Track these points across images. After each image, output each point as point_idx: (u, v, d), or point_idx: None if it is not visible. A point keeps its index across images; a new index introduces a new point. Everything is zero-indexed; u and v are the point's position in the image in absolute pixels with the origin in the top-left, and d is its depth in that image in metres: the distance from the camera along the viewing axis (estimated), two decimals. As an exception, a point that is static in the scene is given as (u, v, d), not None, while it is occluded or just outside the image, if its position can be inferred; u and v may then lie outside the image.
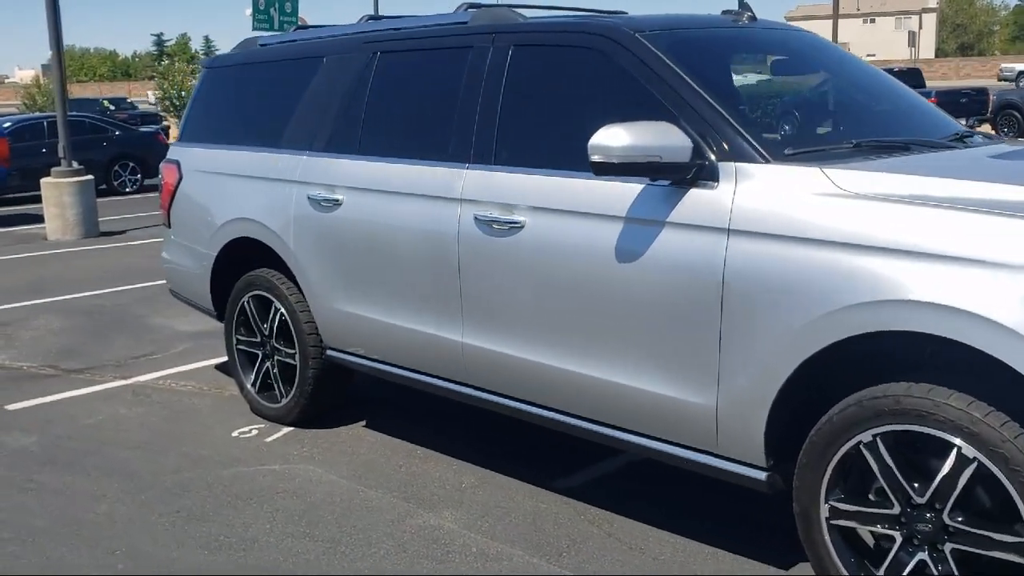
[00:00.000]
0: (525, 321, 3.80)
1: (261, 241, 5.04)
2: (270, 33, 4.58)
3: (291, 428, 5.16)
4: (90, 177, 13.22)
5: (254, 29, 35.38)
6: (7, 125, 17.47)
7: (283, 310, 5.02)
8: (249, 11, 34.66)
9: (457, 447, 4.82)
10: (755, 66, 4.51)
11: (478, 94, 4.04)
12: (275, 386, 5.22)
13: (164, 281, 7.85)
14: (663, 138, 3.21)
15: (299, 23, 36.81)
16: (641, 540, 3.81)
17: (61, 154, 12.86)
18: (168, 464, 4.75)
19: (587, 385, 3.63)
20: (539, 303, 3.74)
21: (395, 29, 4.66)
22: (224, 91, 5.62)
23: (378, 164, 4.41)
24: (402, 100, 4.46)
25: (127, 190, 18.78)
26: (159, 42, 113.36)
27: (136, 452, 4.90)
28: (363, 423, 5.25)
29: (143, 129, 21.41)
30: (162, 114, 36.35)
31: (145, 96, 59.39)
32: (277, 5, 35.23)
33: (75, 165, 13.10)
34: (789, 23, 5.51)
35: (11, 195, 16.82)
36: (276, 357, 5.19)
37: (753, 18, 4.20)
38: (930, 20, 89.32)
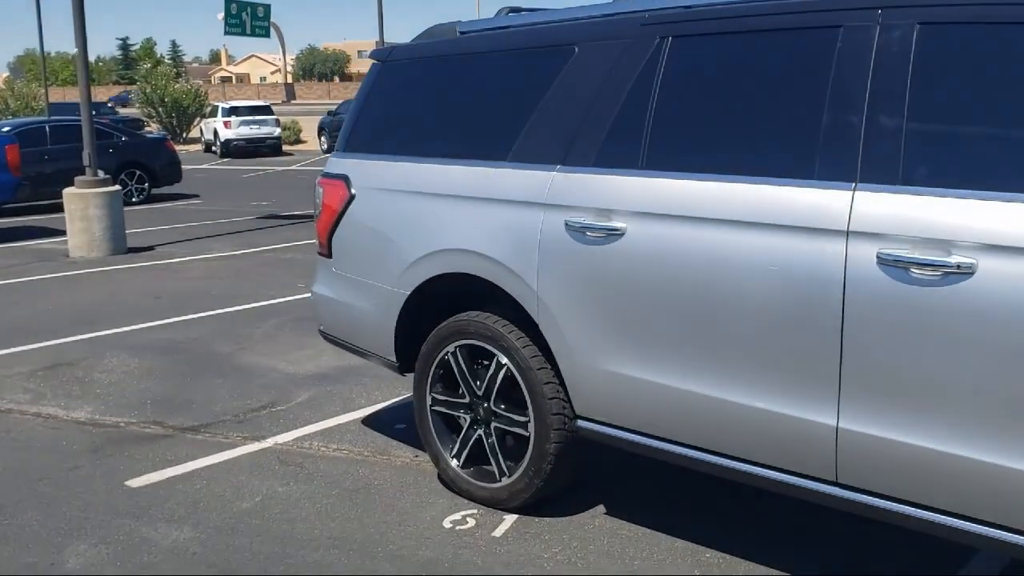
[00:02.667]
0: (961, 403, 2.76)
1: (482, 278, 3.95)
2: (469, 19, 3.66)
3: (515, 515, 4.06)
4: (118, 187, 12.03)
5: (226, 34, 34.35)
6: (7, 129, 16.08)
7: (510, 366, 3.93)
8: (221, 15, 33.55)
9: (751, 545, 3.75)
10: None
11: (863, 88, 2.99)
12: (492, 461, 4.12)
13: (235, 307, 6.81)
14: None
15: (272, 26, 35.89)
16: None
17: (86, 162, 11.65)
18: (390, 573, 3.63)
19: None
20: (996, 380, 2.69)
21: (686, 8, 3.59)
22: (410, 89, 4.51)
23: (691, 183, 3.33)
24: (720, 99, 3.39)
25: (134, 200, 17.50)
26: (124, 46, 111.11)
27: (336, 554, 3.78)
28: (601, 508, 4.16)
29: (150, 135, 20.07)
30: (144, 119, 34.88)
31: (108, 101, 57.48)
32: (249, 10, 34.15)
33: (101, 174, 11.85)
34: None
35: (16, 204, 15.43)
36: (494, 424, 4.09)
37: None
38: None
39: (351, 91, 79.58)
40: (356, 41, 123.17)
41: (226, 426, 5.31)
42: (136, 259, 11.43)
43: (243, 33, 34.46)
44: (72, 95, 75.22)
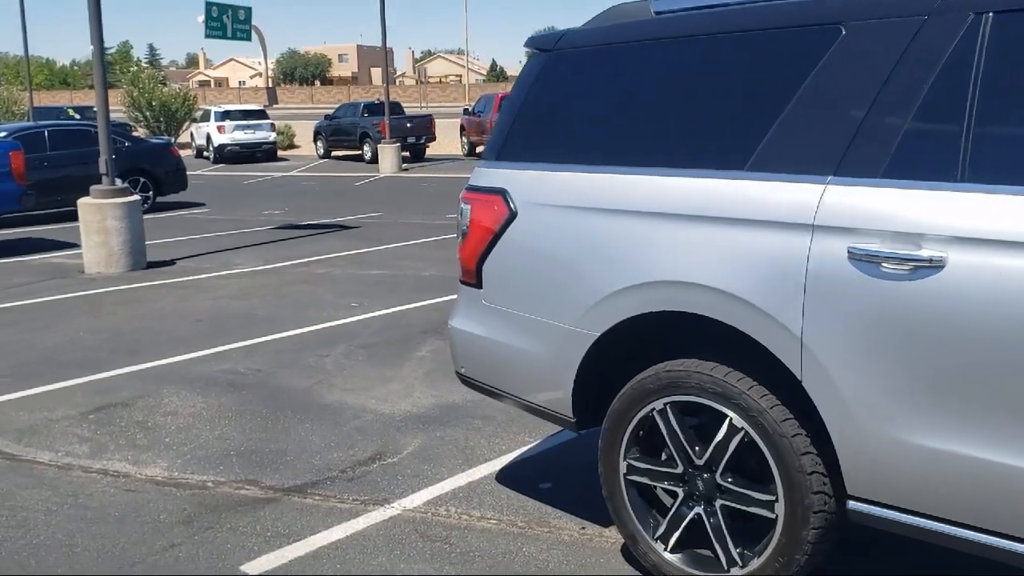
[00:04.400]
0: None
1: (712, 319, 3.13)
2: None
3: (748, 613, 3.23)
4: (137, 197, 11.11)
5: (207, 37, 33.43)
6: (3, 135, 15.10)
7: (749, 430, 3.12)
8: (201, 18, 32.66)
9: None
10: None
11: None
12: (717, 547, 3.30)
13: (288, 331, 6.03)
14: None
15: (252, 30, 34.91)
16: None
17: (103, 169, 10.73)
18: None
19: None
20: None
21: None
22: (590, 83, 3.69)
23: (1052, 201, 2.53)
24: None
25: (139, 209, 16.48)
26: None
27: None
28: (850, 600, 3.35)
29: (154, 140, 19.11)
30: (131, 124, 33.79)
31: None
32: (230, 12, 33.30)
33: (119, 182, 10.95)
34: None
35: (16, 215, 14.47)
36: (720, 501, 3.27)
37: None
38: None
39: (335, 95, 78.51)
40: (336, 44, 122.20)
41: (336, 485, 4.46)
42: (158, 275, 10.53)
43: (224, 36, 33.63)
44: (48, 99, 73.73)
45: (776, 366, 3.04)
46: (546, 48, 3.86)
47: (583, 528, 3.96)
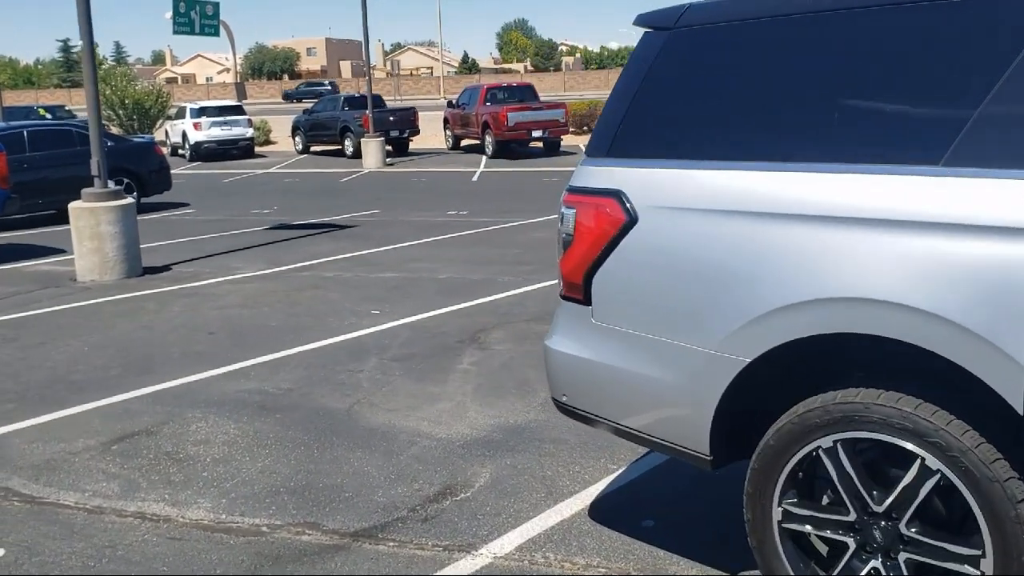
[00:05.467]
0: None
1: (906, 343, 2.63)
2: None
3: None
4: (132, 200, 10.49)
5: (175, 33, 32.61)
6: (-18, 136, 14.38)
7: (948, 473, 2.64)
8: (169, 14, 31.86)
9: None
10: None
11: None
12: (899, 607, 2.81)
13: (310, 343, 5.51)
14: None
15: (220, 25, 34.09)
16: None
17: (94, 171, 10.09)
18: None
19: None
20: None
21: None
22: (726, 65, 3.19)
23: None
24: None
25: (123, 211, 15.78)
26: (65, 48, 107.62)
27: None
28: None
29: (137, 139, 18.40)
30: (104, 122, 32.86)
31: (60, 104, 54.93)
32: (198, 8, 32.50)
33: (112, 185, 10.33)
34: None
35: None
36: (906, 555, 2.79)
37: None
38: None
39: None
40: (305, 38, 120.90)
41: (410, 528, 3.94)
42: (156, 282, 9.93)
43: (192, 32, 32.83)
44: (13, 99, 72.17)
45: (976, 396, 2.56)
46: (664, 26, 3.34)
47: (708, 576, 3.46)
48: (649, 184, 3.22)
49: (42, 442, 5.15)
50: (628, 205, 3.23)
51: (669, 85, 3.29)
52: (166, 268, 10.79)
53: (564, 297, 3.51)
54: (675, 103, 3.28)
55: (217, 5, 33.24)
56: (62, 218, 13.74)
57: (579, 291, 3.42)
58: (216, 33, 34.37)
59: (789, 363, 2.97)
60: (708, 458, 3.17)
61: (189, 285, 9.75)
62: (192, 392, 5.95)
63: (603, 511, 4.04)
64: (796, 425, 2.92)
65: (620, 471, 4.44)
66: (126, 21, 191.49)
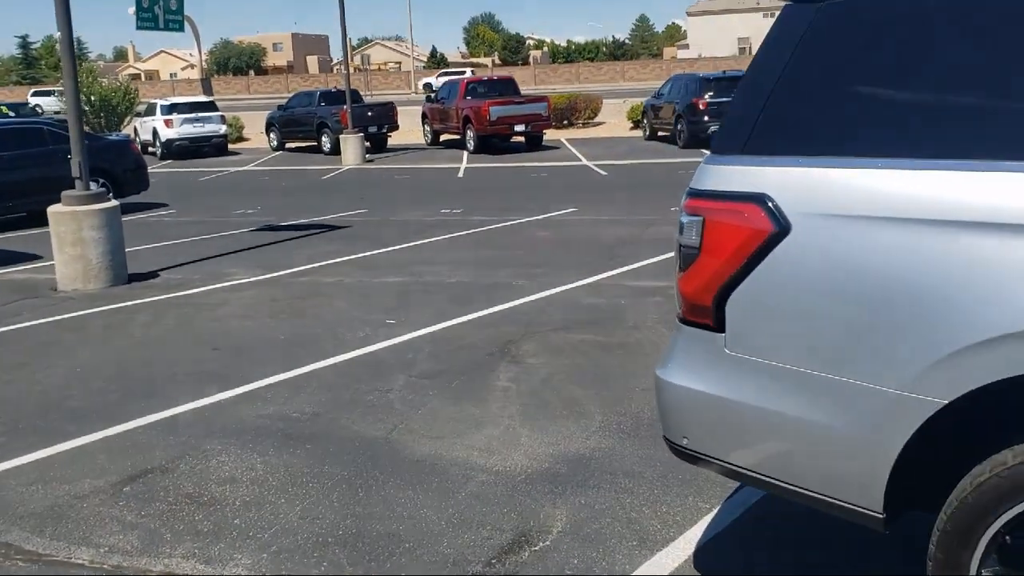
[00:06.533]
0: None
1: None
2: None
3: None
4: (116, 203, 9.83)
5: (138, 28, 31.69)
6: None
7: None
8: (132, 9, 30.98)
9: None
10: None
11: None
12: None
13: (328, 359, 4.96)
14: None
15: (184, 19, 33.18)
16: None
17: (75, 172, 9.41)
18: None
19: None
20: None
21: None
22: (904, 46, 2.64)
23: None
24: None
25: (99, 213, 15.03)
26: (24, 44, 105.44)
27: None
28: None
29: (112, 137, 17.63)
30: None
31: (27, 102, 53.52)
32: (162, 3, 31.64)
33: (93, 187, 9.66)
34: None
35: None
36: None
37: None
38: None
39: (271, 85, 76.29)
40: (271, 34, 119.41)
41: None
42: (144, 291, 9.27)
43: (156, 27, 31.98)
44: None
45: None
46: (815, -1, 2.78)
47: (862, 649, 2.92)
48: (803, 186, 2.68)
49: (42, 483, 4.54)
50: (776, 212, 2.68)
51: (822, 68, 2.75)
52: (153, 275, 10.13)
53: (686, 321, 2.96)
54: (831, 89, 2.74)
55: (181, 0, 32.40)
56: (34, 221, 13.04)
57: (708, 315, 2.86)
58: (180, 28, 33.53)
59: (992, 404, 2.44)
60: (880, 516, 2.63)
61: (181, 294, 9.10)
62: (206, 419, 5.35)
63: (711, 565, 3.50)
64: (1004, 480, 2.39)
65: (715, 511, 3.91)
66: (87, 17, 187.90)
